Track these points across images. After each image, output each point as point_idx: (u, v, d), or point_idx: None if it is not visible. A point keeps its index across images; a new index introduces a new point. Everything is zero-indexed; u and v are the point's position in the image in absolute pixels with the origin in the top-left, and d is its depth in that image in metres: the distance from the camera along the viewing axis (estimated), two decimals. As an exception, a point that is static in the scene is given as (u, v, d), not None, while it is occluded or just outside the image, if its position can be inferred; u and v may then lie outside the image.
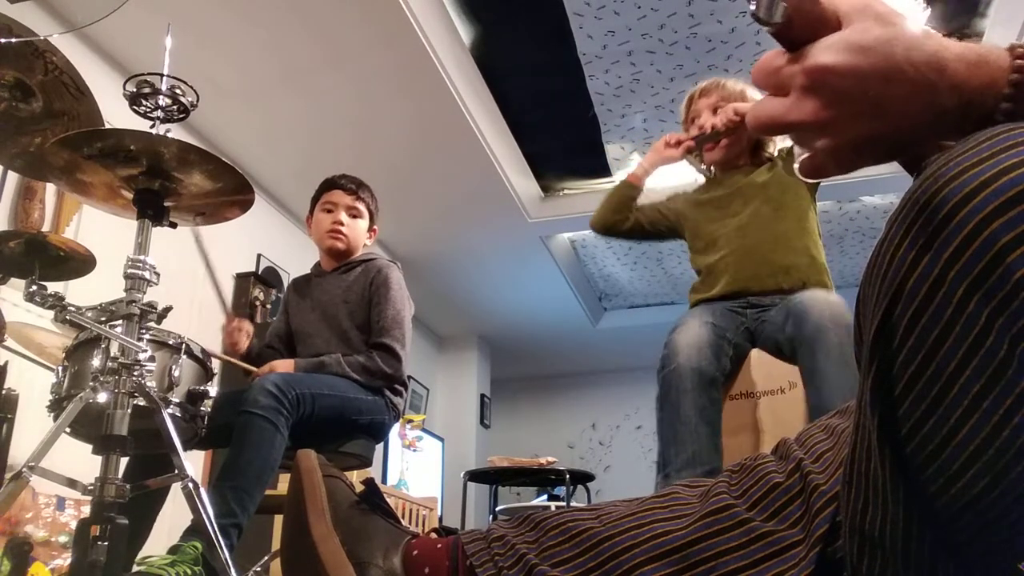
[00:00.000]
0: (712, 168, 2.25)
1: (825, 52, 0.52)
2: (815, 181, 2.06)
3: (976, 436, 0.46)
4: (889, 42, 0.51)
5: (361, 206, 2.39)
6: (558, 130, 4.43)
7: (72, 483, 1.43)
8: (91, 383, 1.46)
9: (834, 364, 1.74)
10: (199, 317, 3.47)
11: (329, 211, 2.37)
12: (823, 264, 2.05)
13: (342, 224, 2.35)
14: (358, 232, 2.39)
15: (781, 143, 2.16)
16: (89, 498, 1.40)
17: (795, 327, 1.84)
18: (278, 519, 2.71)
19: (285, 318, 2.41)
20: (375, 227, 2.46)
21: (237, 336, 2.24)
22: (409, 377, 2.54)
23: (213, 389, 1.69)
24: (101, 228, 2.97)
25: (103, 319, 1.50)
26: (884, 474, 0.51)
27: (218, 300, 2.21)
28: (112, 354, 1.48)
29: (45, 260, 1.85)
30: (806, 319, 1.81)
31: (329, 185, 2.41)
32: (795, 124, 0.53)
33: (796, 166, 0.59)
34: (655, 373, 1.93)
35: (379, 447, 2.37)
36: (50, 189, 3.06)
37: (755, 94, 2.12)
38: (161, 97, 1.56)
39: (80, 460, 1.58)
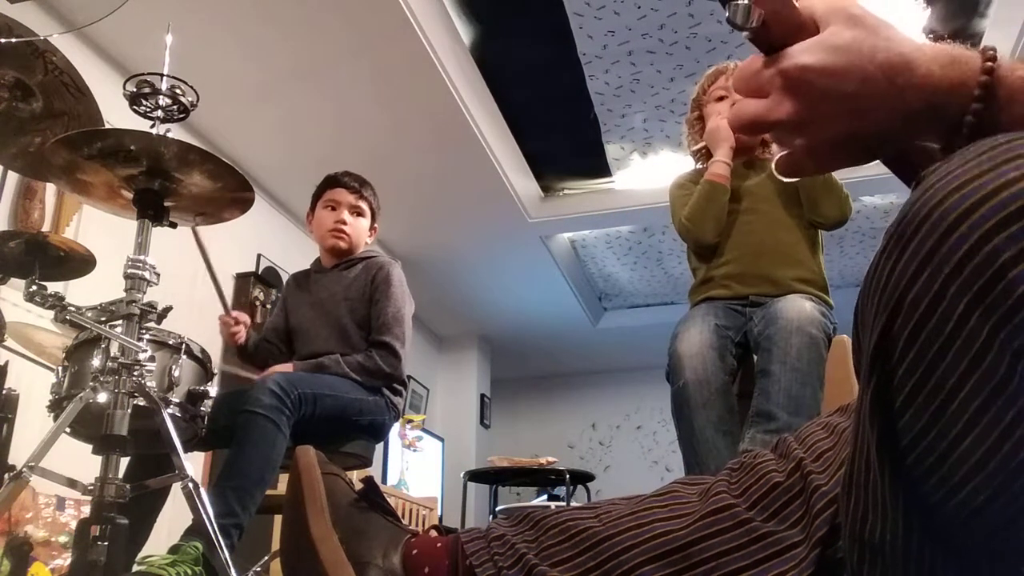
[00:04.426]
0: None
1: (802, 53, 0.54)
2: (793, 180, 2.05)
3: (976, 450, 0.45)
4: (860, 42, 0.53)
5: (364, 205, 2.39)
6: (558, 130, 4.43)
7: (72, 483, 1.43)
8: (91, 383, 1.46)
9: (786, 369, 1.76)
10: (199, 317, 3.47)
11: (332, 209, 2.37)
12: (824, 280, 2.06)
13: (345, 223, 2.34)
14: (360, 231, 2.38)
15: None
16: (89, 498, 1.40)
17: (764, 326, 1.87)
18: (278, 519, 2.71)
19: (284, 314, 2.40)
20: (376, 225, 2.45)
21: (235, 328, 2.23)
22: (409, 377, 2.54)
23: (213, 389, 1.69)
24: (101, 228, 2.97)
25: (103, 319, 1.50)
26: (883, 485, 0.51)
27: (219, 299, 2.20)
28: (112, 354, 1.48)
29: (45, 260, 1.85)
30: (775, 322, 1.84)
31: (332, 182, 2.40)
32: (775, 123, 0.55)
33: (773, 165, 0.60)
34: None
35: (379, 447, 2.37)
36: (50, 189, 3.05)
37: None
38: (161, 97, 1.56)
39: (80, 460, 1.58)
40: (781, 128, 0.56)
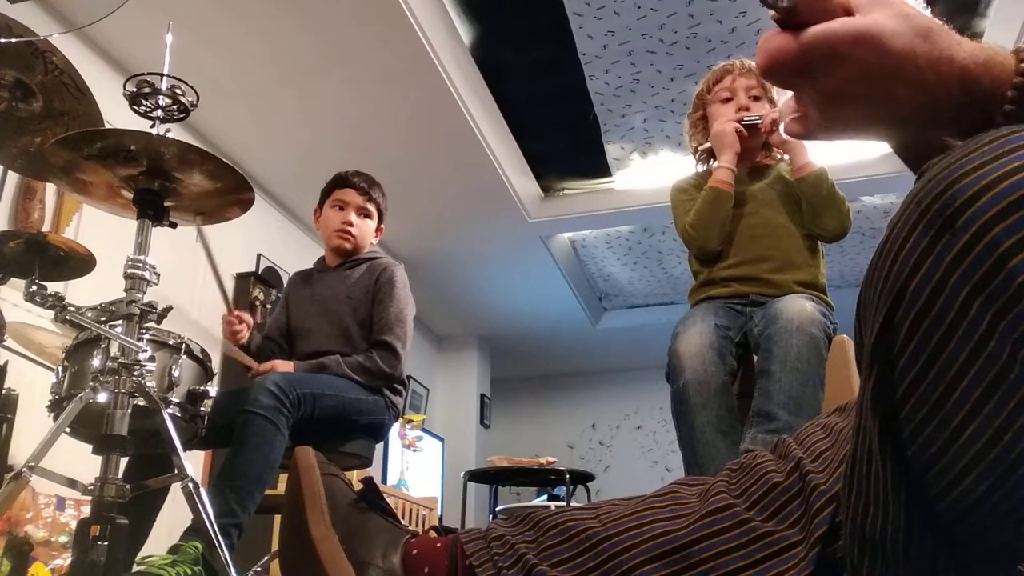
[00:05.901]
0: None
1: (859, 21, 0.52)
2: (795, 189, 2.05)
3: (978, 440, 0.46)
4: (910, 33, 0.52)
5: (371, 207, 2.39)
6: (558, 130, 4.43)
7: (72, 483, 1.43)
8: (91, 383, 1.46)
9: (787, 369, 1.76)
10: (199, 317, 3.47)
11: (340, 209, 2.37)
12: (824, 285, 2.06)
13: (352, 225, 2.35)
14: (366, 232, 2.39)
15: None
16: (89, 498, 1.40)
17: (764, 326, 1.87)
18: (278, 519, 2.71)
19: (285, 312, 2.40)
20: (382, 226, 2.46)
21: (238, 327, 2.23)
22: (409, 377, 2.54)
23: (213, 389, 1.69)
24: (101, 228, 2.97)
25: (103, 319, 1.50)
26: (885, 476, 0.51)
27: (222, 298, 2.20)
28: (112, 354, 1.48)
29: (45, 260, 1.85)
30: (776, 322, 1.84)
31: (341, 182, 2.39)
32: (809, 54, 0.53)
33: (782, 127, 0.60)
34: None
35: (379, 447, 2.37)
36: (50, 189, 3.05)
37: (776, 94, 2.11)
38: (161, 97, 1.56)
39: (80, 460, 1.58)
40: (810, 87, 0.54)
